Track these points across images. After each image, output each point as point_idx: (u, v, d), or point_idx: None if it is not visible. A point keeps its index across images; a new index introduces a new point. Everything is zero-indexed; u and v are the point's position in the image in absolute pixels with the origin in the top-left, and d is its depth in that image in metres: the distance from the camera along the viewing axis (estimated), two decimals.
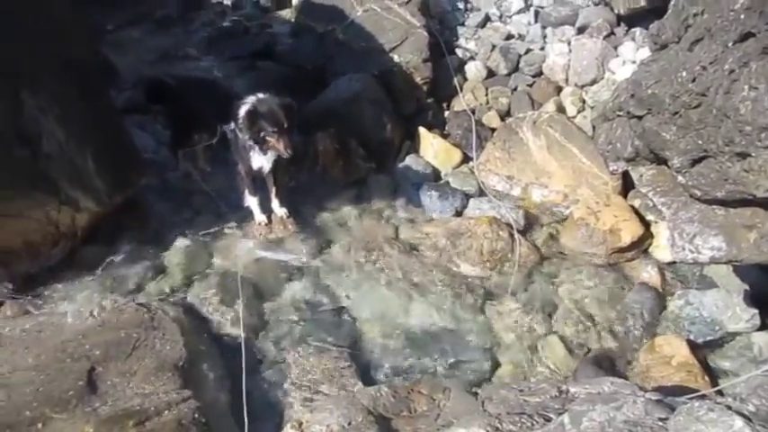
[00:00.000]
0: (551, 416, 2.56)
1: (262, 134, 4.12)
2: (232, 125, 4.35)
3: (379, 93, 5.51)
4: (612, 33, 5.88)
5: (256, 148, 4.25)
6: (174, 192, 4.97)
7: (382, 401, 3.01)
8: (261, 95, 4.17)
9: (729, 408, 2.00)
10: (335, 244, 4.68)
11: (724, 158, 2.71)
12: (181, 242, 4.47)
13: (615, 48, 5.74)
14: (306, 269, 4.46)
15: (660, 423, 2.08)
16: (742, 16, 2.57)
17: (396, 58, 5.76)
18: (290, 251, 4.53)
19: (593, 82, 5.63)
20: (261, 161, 4.35)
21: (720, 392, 3.18)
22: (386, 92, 5.57)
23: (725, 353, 3.82)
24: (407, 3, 6.05)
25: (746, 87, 2.52)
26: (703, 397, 2.78)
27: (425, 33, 5.87)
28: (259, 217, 4.62)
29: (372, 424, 2.87)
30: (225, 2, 8.15)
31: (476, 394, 3.02)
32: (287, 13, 7.52)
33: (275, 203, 4.70)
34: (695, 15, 2.93)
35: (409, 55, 5.74)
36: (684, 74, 2.89)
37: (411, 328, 4.06)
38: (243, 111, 4.12)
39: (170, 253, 4.40)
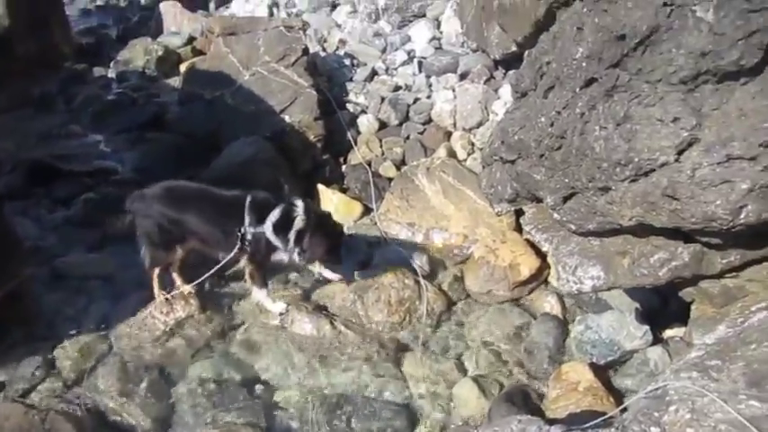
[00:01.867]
0: None
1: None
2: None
3: (273, 154, 5.52)
4: (492, 77, 6.19)
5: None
6: (65, 279, 4.72)
7: None
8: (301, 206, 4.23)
9: None
10: (243, 314, 4.58)
11: (589, 193, 2.90)
12: (74, 333, 4.23)
13: (496, 90, 6.03)
14: (213, 345, 4.33)
15: None
16: (584, 64, 2.80)
17: (287, 118, 5.82)
18: (195, 327, 4.38)
19: (480, 124, 5.87)
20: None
21: (626, 409, 3.29)
22: (280, 152, 5.58)
23: (625, 371, 3.97)
24: (293, 64, 6.16)
25: (597, 128, 2.73)
26: (609, 420, 2.88)
27: (314, 92, 5.97)
28: (160, 297, 4.43)
29: None
30: (109, 74, 7.98)
31: None
32: (174, 81, 7.46)
33: (179, 280, 4.54)
34: (547, 64, 3.16)
35: (300, 114, 5.81)
36: (543, 119, 3.09)
37: (327, 392, 4.01)
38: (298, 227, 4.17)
39: (63, 346, 4.15)
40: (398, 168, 5.88)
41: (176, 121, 6.44)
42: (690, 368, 2.48)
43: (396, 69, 6.72)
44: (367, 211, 5.59)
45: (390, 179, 5.79)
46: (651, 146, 2.58)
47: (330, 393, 3.99)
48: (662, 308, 4.18)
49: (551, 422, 3.02)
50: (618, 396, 3.77)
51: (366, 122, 6.20)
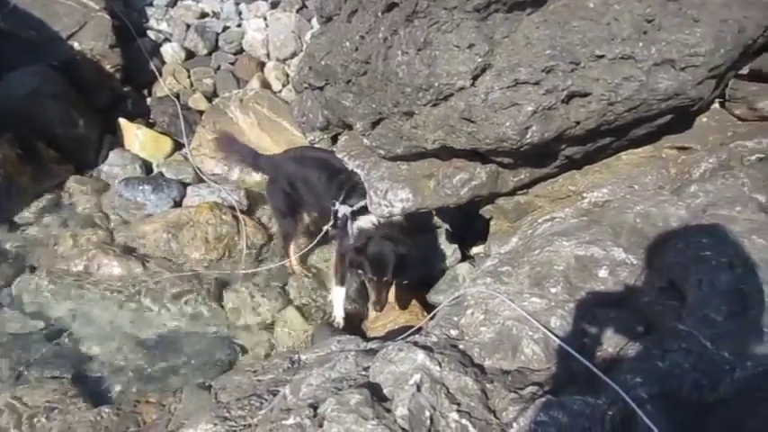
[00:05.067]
0: (281, 389, 2.61)
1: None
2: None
3: (63, 86, 4.94)
4: (304, 6, 6.06)
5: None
6: None
7: (104, 424, 2.78)
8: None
9: (416, 344, 2.24)
10: (38, 261, 4.16)
11: (396, 118, 2.98)
12: None
13: (309, 20, 5.92)
14: (6, 296, 3.90)
15: (364, 373, 2.25)
16: None
17: (77, 45, 5.19)
18: None
19: (293, 55, 5.76)
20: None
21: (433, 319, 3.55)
22: (71, 84, 5.01)
23: (438, 288, 4.25)
24: None
25: (399, 53, 2.78)
26: (419, 330, 3.09)
27: (107, 16, 5.39)
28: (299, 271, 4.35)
29: None
30: None
31: (210, 387, 2.95)
32: None
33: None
34: None
35: (92, 41, 5.22)
36: (348, 44, 3.08)
37: (144, 337, 3.82)
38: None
39: None
40: (210, 100, 5.61)
41: None
42: (485, 275, 2.72)
43: None
44: (178, 146, 5.28)
45: (201, 112, 5.51)
46: (449, 71, 2.69)
47: (145, 336, 3.82)
48: (468, 227, 4.53)
49: (369, 340, 3.17)
50: (432, 310, 4.07)
51: (170, 51, 5.77)
